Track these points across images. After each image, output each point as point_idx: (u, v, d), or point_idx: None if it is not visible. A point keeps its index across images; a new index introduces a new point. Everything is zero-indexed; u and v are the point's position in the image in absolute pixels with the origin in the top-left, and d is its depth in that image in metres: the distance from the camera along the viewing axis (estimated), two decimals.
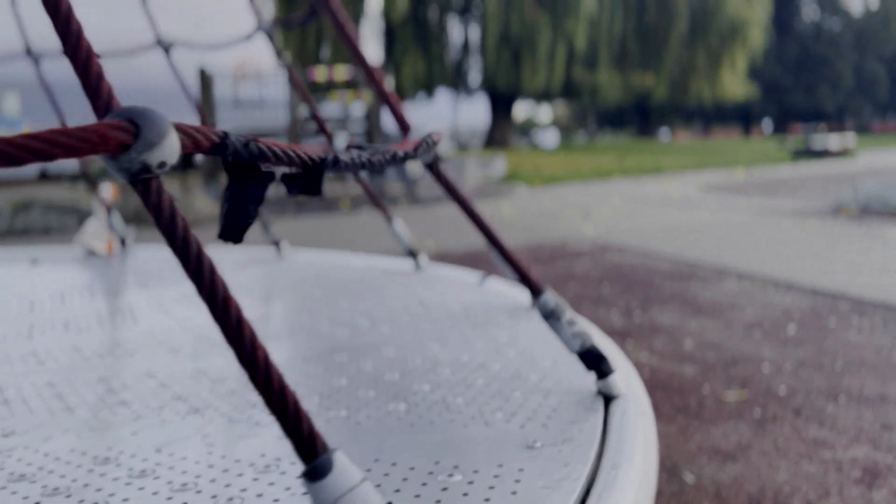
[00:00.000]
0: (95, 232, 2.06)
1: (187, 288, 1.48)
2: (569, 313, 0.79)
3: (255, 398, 0.82)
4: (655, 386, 3.05)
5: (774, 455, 2.39)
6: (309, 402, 0.80)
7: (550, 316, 0.78)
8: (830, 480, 2.20)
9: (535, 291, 0.80)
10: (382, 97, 0.97)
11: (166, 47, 1.74)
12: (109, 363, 1.00)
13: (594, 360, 0.79)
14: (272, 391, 0.40)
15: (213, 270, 0.39)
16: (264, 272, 1.69)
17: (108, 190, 2.06)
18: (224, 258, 1.91)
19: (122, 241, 2.10)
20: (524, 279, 0.80)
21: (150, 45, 1.71)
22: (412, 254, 1.61)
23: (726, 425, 2.64)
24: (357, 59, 1.08)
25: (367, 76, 1.02)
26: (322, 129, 1.66)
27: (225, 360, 0.97)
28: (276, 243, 1.91)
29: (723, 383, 3.06)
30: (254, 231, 1.87)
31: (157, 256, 2.00)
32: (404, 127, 0.76)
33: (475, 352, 0.97)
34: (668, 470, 2.31)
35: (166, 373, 0.94)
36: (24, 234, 9.11)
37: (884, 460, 2.31)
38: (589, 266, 5.86)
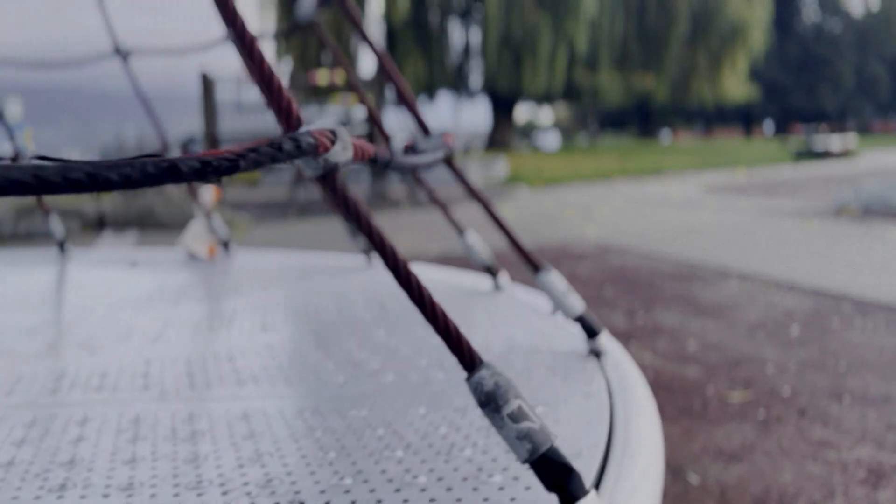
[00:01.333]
0: (197, 235, 1.99)
1: (274, 299, 1.42)
2: (514, 402, 0.55)
3: (209, 448, 0.71)
4: (659, 387, 3.05)
5: (779, 456, 2.38)
6: (186, 497, 0.62)
7: (486, 405, 0.55)
8: (835, 481, 2.20)
9: (467, 366, 0.58)
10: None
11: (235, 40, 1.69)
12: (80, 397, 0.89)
13: (552, 475, 0.54)
14: None
15: None
16: (334, 284, 1.57)
17: (209, 193, 1.98)
18: (311, 265, 1.81)
19: (225, 245, 2.01)
20: (452, 347, 0.58)
21: (220, 40, 1.67)
22: (490, 271, 1.39)
23: (730, 426, 2.63)
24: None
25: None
26: (380, 131, 1.49)
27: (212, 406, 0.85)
28: (366, 252, 1.80)
29: (726, 384, 3.06)
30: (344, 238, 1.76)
31: (261, 261, 1.90)
32: (291, 124, 0.52)
33: (461, 425, 0.75)
34: (673, 471, 2.31)
35: (100, 421, 0.81)
36: (28, 239, 9.12)
37: (889, 461, 2.30)
38: (591, 267, 5.85)
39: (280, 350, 1.10)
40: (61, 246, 2.03)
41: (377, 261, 1.74)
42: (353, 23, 1.11)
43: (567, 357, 0.97)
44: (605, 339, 0.99)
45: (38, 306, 1.44)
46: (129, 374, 0.99)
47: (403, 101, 1.04)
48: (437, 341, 1.04)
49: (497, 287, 1.40)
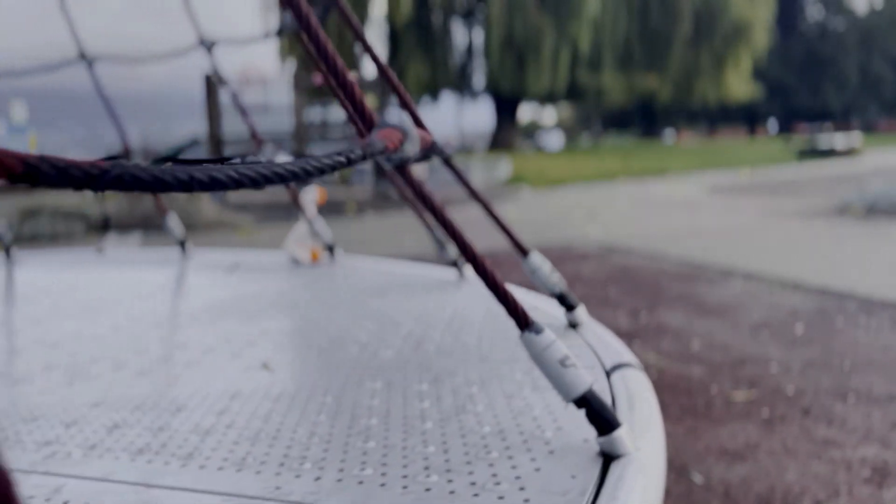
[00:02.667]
0: (300, 239, 1.91)
1: (367, 317, 1.31)
2: None
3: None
4: (663, 387, 3.04)
5: (783, 455, 2.38)
6: None
7: None
8: (840, 480, 2.19)
9: None
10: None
11: (279, 32, 1.69)
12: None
13: None
14: None
15: None
16: (432, 301, 1.42)
17: (312, 195, 1.85)
18: (399, 274, 1.70)
19: (330, 250, 1.92)
20: None
21: (267, 33, 1.68)
22: (564, 301, 1.15)
23: (734, 425, 2.63)
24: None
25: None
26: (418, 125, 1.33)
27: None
28: (454, 264, 1.62)
29: (731, 383, 3.05)
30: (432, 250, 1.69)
31: (365, 269, 1.80)
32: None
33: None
34: (677, 471, 2.30)
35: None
36: (33, 241, 9.15)
37: (893, 459, 2.29)
38: (595, 268, 5.85)
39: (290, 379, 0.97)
40: (182, 245, 2.04)
41: (469, 273, 1.57)
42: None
43: (574, 438, 0.72)
44: (628, 433, 0.69)
45: (145, 312, 1.41)
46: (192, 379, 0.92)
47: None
48: (479, 392, 0.87)
49: (576, 325, 1.13)
